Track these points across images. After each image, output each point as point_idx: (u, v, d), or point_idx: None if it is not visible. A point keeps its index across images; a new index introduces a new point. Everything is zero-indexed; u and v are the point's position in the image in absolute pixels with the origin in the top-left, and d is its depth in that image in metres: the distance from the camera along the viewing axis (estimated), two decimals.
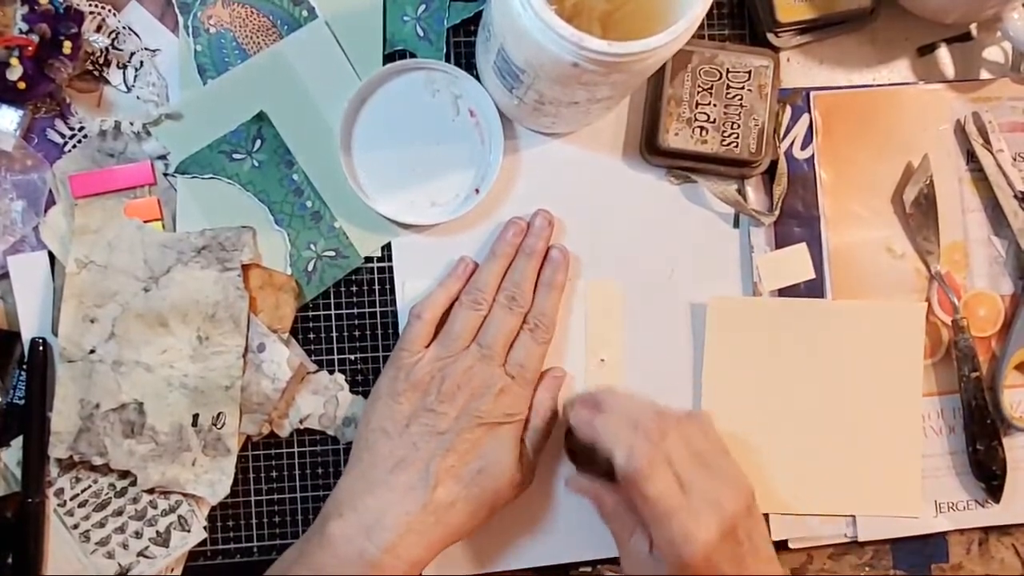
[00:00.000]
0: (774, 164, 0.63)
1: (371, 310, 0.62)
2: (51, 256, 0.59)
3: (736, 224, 0.64)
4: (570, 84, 0.51)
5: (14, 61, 0.56)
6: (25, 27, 0.57)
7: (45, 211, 0.59)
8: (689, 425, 0.55)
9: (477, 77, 0.61)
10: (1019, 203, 0.65)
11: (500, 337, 0.58)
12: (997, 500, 0.64)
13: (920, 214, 0.64)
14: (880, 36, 0.66)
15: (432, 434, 0.55)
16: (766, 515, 0.63)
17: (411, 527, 0.53)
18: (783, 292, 0.64)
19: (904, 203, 0.64)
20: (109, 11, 0.60)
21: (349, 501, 0.54)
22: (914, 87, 0.66)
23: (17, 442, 0.57)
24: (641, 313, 0.63)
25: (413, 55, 0.62)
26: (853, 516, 0.63)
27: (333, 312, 0.62)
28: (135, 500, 0.58)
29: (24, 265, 0.58)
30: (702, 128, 0.60)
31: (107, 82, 0.60)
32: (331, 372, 0.61)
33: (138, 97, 0.60)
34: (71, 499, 0.58)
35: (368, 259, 0.62)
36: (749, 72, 0.61)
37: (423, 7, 0.62)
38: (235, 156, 0.60)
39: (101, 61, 0.60)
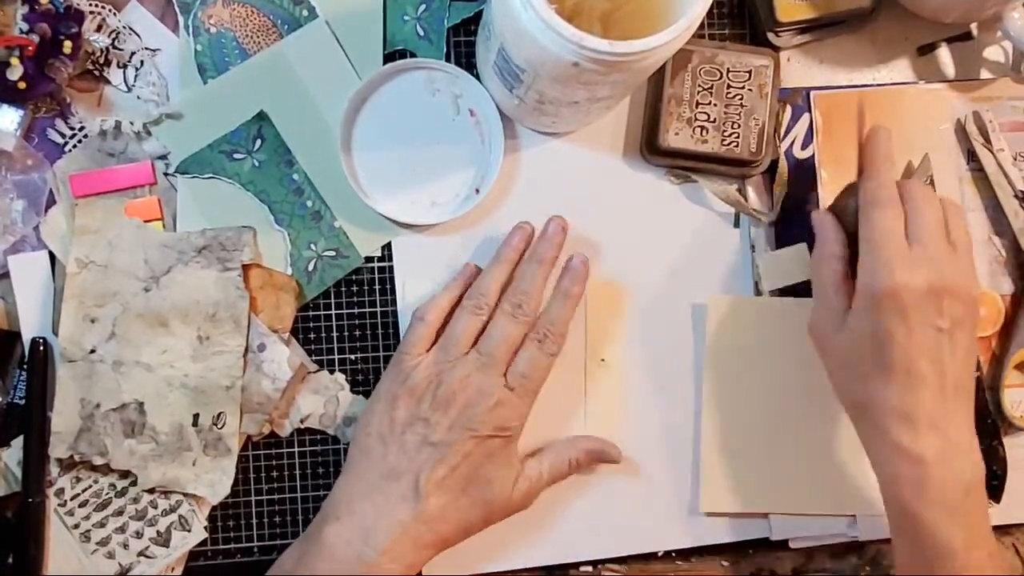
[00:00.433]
0: (775, 164, 0.63)
1: (371, 310, 0.62)
2: (51, 256, 0.59)
3: (736, 224, 0.64)
4: (570, 84, 0.51)
5: (14, 61, 0.56)
6: (25, 27, 0.57)
7: (45, 211, 0.59)
8: (950, 208, 0.56)
9: (477, 77, 0.61)
10: (1020, 203, 0.65)
11: (502, 345, 0.57)
12: (997, 500, 0.64)
13: None
14: (880, 36, 0.66)
15: (424, 444, 0.55)
16: (765, 515, 0.63)
17: (405, 533, 0.54)
18: (783, 292, 0.64)
19: None
20: (109, 11, 0.60)
21: (346, 505, 0.55)
22: (914, 87, 0.66)
23: (17, 442, 0.57)
24: (641, 313, 0.63)
25: (413, 55, 0.62)
26: (853, 516, 0.63)
27: (333, 312, 0.62)
28: (136, 500, 0.58)
29: (24, 265, 0.59)
30: (702, 128, 0.60)
31: (107, 82, 0.60)
32: (331, 372, 0.61)
33: (138, 97, 0.60)
34: (71, 499, 0.58)
35: (368, 259, 0.62)
36: (749, 72, 0.61)
37: (423, 7, 0.62)
38: (235, 156, 0.60)
39: (101, 61, 0.60)
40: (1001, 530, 0.66)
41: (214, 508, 0.59)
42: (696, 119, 0.60)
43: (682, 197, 0.64)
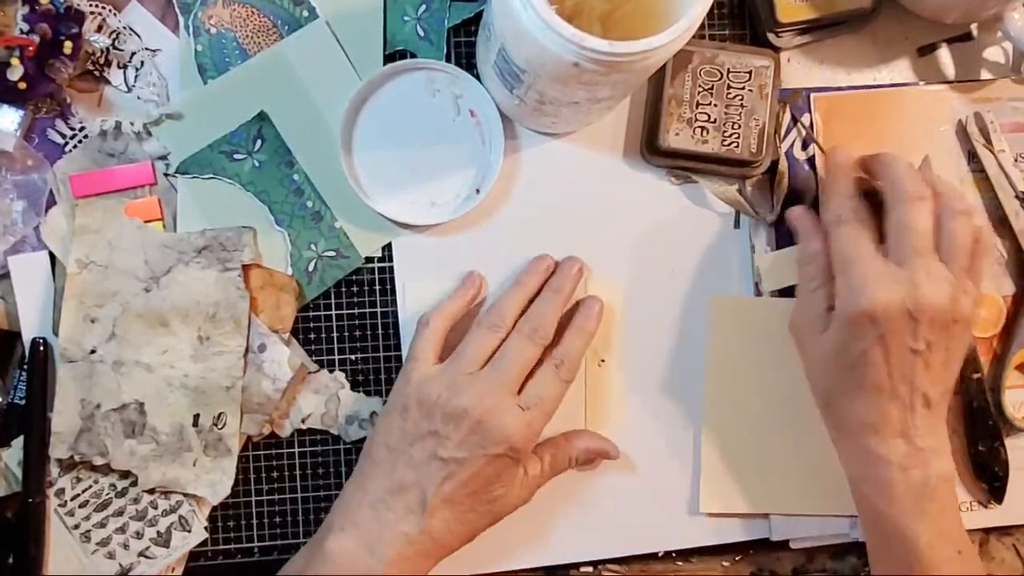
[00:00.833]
0: (775, 164, 0.63)
1: (372, 310, 0.62)
2: (52, 256, 0.59)
3: (736, 224, 0.64)
4: (570, 84, 0.51)
5: (15, 61, 0.56)
6: (26, 27, 0.57)
7: (46, 211, 0.59)
8: (949, 209, 0.55)
9: (477, 77, 0.61)
10: (1020, 203, 0.65)
11: (517, 365, 0.56)
12: (999, 501, 0.64)
13: None
14: (880, 36, 0.66)
15: (433, 459, 0.54)
16: (765, 515, 0.63)
17: (410, 544, 0.54)
18: (783, 292, 0.64)
19: None
20: (110, 11, 0.60)
21: (351, 515, 0.55)
22: (915, 87, 0.66)
23: (18, 442, 0.57)
24: (642, 313, 0.63)
25: (413, 55, 0.62)
26: (854, 516, 0.63)
27: (334, 312, 0.62)
28: (136, 500, 0.58)
29: (25, 265, 0.59)
30: (703, 128, 0.60)
31: (108, 82, 0.60)
32: (331, 372, 0.61)
33: (139, 97, 0.60)
34: (72, 499, 0.58)
35: (368, 259, 0.62)
36: (750, 72, 0.61)
37: (423, 7, 0.62)
38: (236, 156, 0.60)
39: (102, 61, 0.60)
40: (1002, 531, 0.66)
41: (214, 508, 0.59)
42: (696, 119, 0.60)
43: (682, 197, 0.64)
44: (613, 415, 0.63)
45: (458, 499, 0.54)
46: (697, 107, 0.60)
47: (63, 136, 0.60)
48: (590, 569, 0.63)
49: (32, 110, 0.59)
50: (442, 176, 0.62)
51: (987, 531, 0.66)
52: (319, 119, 0.61)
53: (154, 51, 0.61)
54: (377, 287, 0.62)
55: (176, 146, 0.60)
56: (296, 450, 0.61)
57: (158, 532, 0.58)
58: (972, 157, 0.66)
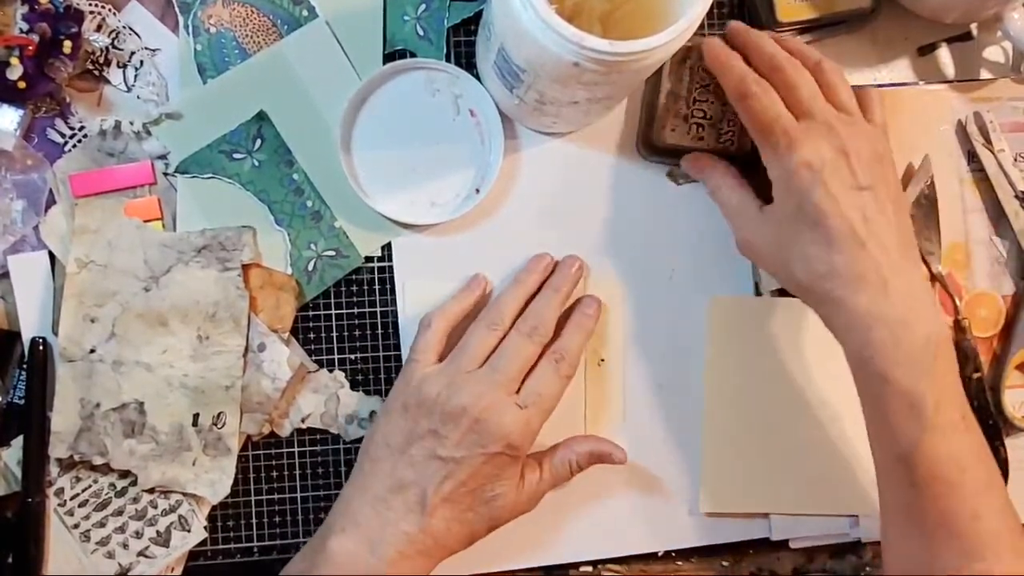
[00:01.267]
0: None
1: (371, 310, 0.62)
2: (51, 256, 0.59)
3: None
4: (570, 84, 0.51)
5: (14, 61, 0.56)
6: (25, 27, 0.57)
7: (45, 211, 0.59)
8: (824, 67, 0.56)
9: (477, 77, 0.61)
10: (1020, 203, 0.65)
11: (515, 363, 0.56)
12: None
13: (921, 215, 0.64)
14: (880, 36, 0.66)
15: (432, 458, 0.54)
16: (765, 515, 0.63)
17: (411, 544, 0.54)
18: (783, 292, 0.64)
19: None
20: (109, 10, 0.60)
21: (351, 515, 0.54)
22: (914, 87, 0.66)
23: (17, 442, 0.57)
24: (642, 313, 0.63)
25: (413, 55, 0.62)
26: (854, 516, 0.63)
27: (333, 312, 0.62)
28: (135, 500, 0.58)
29: (24, 265, 0.59)
30: (699, 125, 0.60)
31: (107, 82, 0.60)
32: (331, 372, 0.61)
33: (138, 97, 0.60)
34: (71, 499, 0.58)
35: (368, 259, 0.62)
36: None
37: (423, 7, 0.62)
38: (235, 156, 0.60)
39: (101, 61, 0.60)
40: None
41: (214, 508, 0.59)
42: (693, 116, 0.60)
43: (682, 197, 0.64)
44: (613, 415, 0.63)
45: (457, 498, 0.54)
46: (694, 104, 0.60)
47: (63, 136, 0.60)
48: (590, 569, 0.63)
49: (32, 109, 0.59)
50: (442, 176, 0.62)
51: None
52: (319, 119, 0.61)
53: (154, 51, 0.61)
54: (377, 287, 0.62)
55: (176, 146, 0.60)
56: (296, 450, 0.61)
57: (157, 532, 0.58)
58: (972, 157, 0.66)
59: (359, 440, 0.61)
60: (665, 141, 0.60)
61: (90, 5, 0.59)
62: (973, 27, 0.65)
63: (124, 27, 0.60)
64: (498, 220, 0.62)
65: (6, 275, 0.58)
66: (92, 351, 0.58)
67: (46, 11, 0.57)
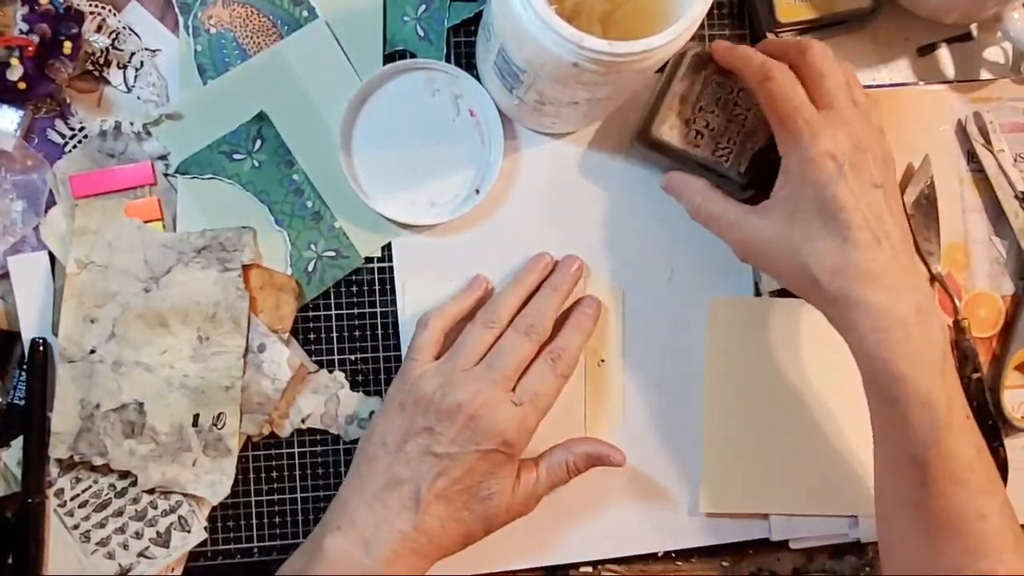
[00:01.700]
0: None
1: (371, 310, 0.62)
2: (51, 256, 0.59)
3: None
4: (570, 84, 0.51)
5: (14, 61, 0.56)
6: (25, 27, 0.57)
7: (45, 211, 0.59)
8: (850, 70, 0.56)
9: (477, 77, 0.61)
10: (1020, 203, 0.65)
11: (512, 361, 0.56)
12: None
13: (921, 215, 0.64)
14: (880, 36, 0.66)
15: (427, 455, 0.54)
16: (765, 515, 0.63)
17: (405, 542, 0.53)
18: (783, 292, 0.64)
19: (905, 204, 0.64)
20: (109, 11, 0.60)
21: (347, 514, 0.54)
22: (914, 87, 0.66)
23: (17, 442, 0.57)
24: (641, 313, 0.63)
25: (413, 55, 0.62)
26: (854, 516, 0.63)
27: (333, 312, 0.62)
28: (135, 500, 0.58)
29: (24, 265, 0.59)
30: (698, 133, 0.59)
31: (107, 82, 0.60)
32: (331, 372, 0.61)
33: (138, 97, 0.60)
34: (71, 499, 0.58)
35: (368, 259, 0.62)
36: None
37: (423, 7, 0.62)
38: (235, 156, 0.60)
39: (101, 61, 0.60)
40: None
41: (214, 509, 0.59)
42: (695, 122, 0.59)
43: None
44: (613, 415, 0.63)
45: (451, 495, 0.54)
46: (699, 111, 0.59)
47: (63, 136, 0.60)
48: (590, 569, 0.63)
49: (32, 110, 0.59)
50: (442, 176, 0.62)
51: None
52: (319, 119, 0.61)
53: (154, 51, 0.61)
54: (377, 287, 0.62)
55: (176, 146, 0.60)
56: (296, 450, 0.61)
57: (157, 532, 0.58)
58: (971, 157, 0.66)
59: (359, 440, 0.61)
60: (660, 136, 0.59)
61: (90, 6, 0.59)
62: (973, 27, 0.65)
63: (124, 28, 0.60)
64: (498, 220, 0.62)
65: (6, 276, 0.58)
66: (92, 352, 0.58)
67: (46, 12, 0.57)
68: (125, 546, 0.58)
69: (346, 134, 0.61)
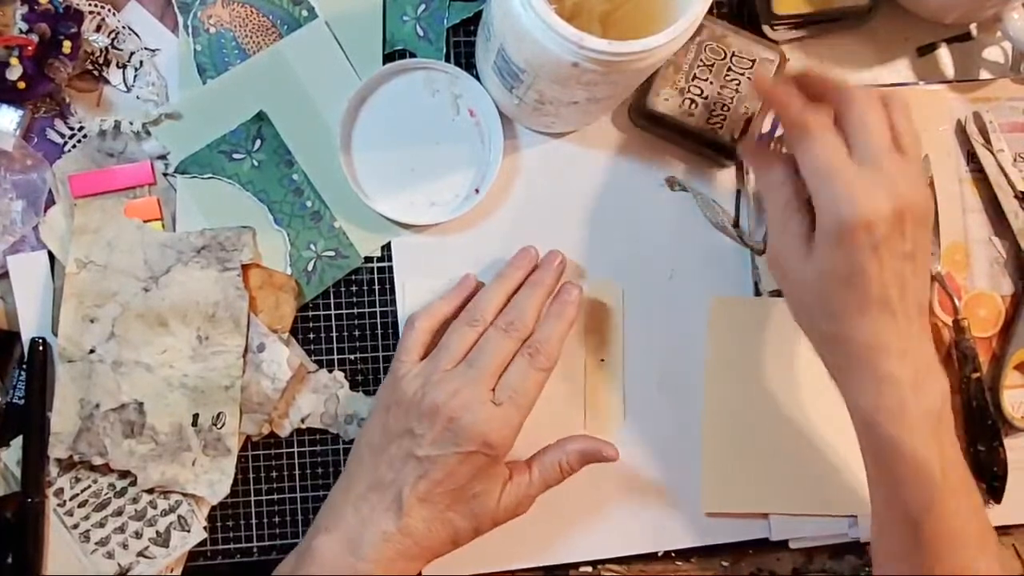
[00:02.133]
0: None
1: (371, 310, 0.62)
2: (51, 256, 0.59)
3: (736, 224, 0.64)
4: (570, 84, 0.51)
5: (14, 61, 0.56)
6: (25, 27, 0.57)
7: (45, 211, 0.59)
8: (894, 105, 0.52)
9: (477, 77, 0.61)
10: (1020, 203, 0.65)
11: (493, 360, 0.55)
12: (998, 501, 0.64)
13: None
14: (880, 36, 0.66)
15: (409, 457, 0.54)
16: (765, 515, 0.63)
17: (388, 543, 0.53)
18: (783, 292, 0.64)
19: None
20: (109, 11, 0.60)
21: (335, 514, 0.55)
22: (914, 87, 0.66)
23: (17, 442, 0.57)
24: (641, 313, 0.63)
25: (413, 55, 0.62)
26: (854, 516, 0.63)
27: (333, 312, 0.62)
28: (135, 500, 0.58)
29: (24, 265, 0.58)
30: (692, 101, 0.59)
31: (107, 82, 0.60)
32: (330, 371, 0.61)
33: (138, 97, 0.60)
34: (71, 499, 0.58)
35: (368, 259, 0.62)
36: (753, 61, 0.60)
37: (423, 7, 0.62)
38: (235, 156, 0.60)
39: (101, 61, 0.60)
40: (1001, 530, 0.66)
41: (213, 508, 0.59)
42: (689, 91, 0.59)
43: (683, 197, 0.64)
44: (613, 415, 0.63)
45: (434, 498, 0.54)
46: (693, 79, 0.59)
47: (62, 136, 0.60)
48: (590, 569, 0.63)
49: (31, 110, 0.59)
50: (441, 176, 0.62)
51: None
52: (318, 119, 0.61)
53: (153, 51, 0.61)
54: (376, 287, 0.62)
55: (175, 146, 0.60)
56: (295, 450, 0.61)
57: (157, 532, 0.58)
58: (971, 157, 0.66)
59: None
60: (655, 107, 0.60)
61: (90, 5, 0.59)
62: (973, 27, 0.65)
63: (124, 27, 0.60)
64: (498, 220, 0.62)
65: (6, 275, 0.58)
66: (92, 351, 0.58)
67: (46, 11, 0.57)
68: (125, 546, 0.58)
69: (346, 134, 0.61)
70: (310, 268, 0.61)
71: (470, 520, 0.55)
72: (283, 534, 0.61)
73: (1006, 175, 0.65)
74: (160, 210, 0.60)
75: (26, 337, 0.58)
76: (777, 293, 0.64)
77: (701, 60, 0.59)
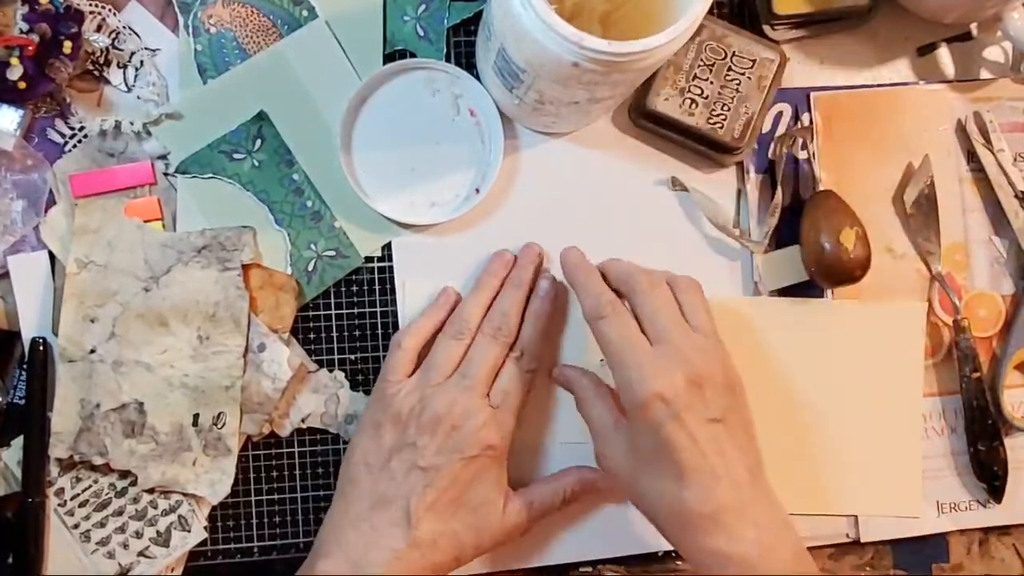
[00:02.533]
0: (774, 178, 0.63)
1: (371, 310, 0.62)
2: (51, 256, 0.59)
3: (736, 224, 0.64)
4: (570, 84, 0.51)
5: (14, 61, 0.56)
6: (25, 27, 0.57)
7: (45, 211, 0.59)
8: (681, 286, 0.55)
9: (477, 77, 0.61)
10: (1020, 203, 0.65)
11: (484, 367, 0.56)
12: (999, 500, 0.64)
13: (921, 214, 0.64)
14: (880, 36, 0.66)
15: (413, 469, 0.54)
16: None
17: (398, 560, 0.53)
18: (783, 292, 0.64)
19: (905, 204, 0.64)
20: (109, 11, 0.60)
21: (335, 538, 0.54)
22: (914, 87, 0.66)
23: (17, 442, 0.57)
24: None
25: (413, 55, 0.62)
26: (854, 516, 0.63)
27: (333, 312, 0.62)
28: (135, 500, 0.58)
29: (24, 265, 0.59)
30: (692, 101, 0.60)
31: (107, 82, 0.60)
32: (331, 371, 0.61)
33: (138, 97, 0.60)
34: (71, 499, 0.58)
35: (368, 259, 0.62)
36: (754, 61, 0.60)
37: (423, 7, 0.62)
38: (235, 156, 0.60)
39: (101, 61, 0.60)
40: (1001, 530, 0.66)
41: (214, 508, 0.59)
42: (689, 90, 0.59)
43: (683, 197, 0.64)
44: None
45: (441, 507, 0.54)
46: (693, 79, 0.60)
47: (63, 136, 0.60)
48: (589, 569, 0.63)
49: (32, 110, 0.59)
50: (442, 176, 0.62)
51: (987, 531, 0.66)
52: (319, 119, 0.61)
53: (154, 51, 0.61)
54: (377, 287, 0.62)
55: (176, 146, 0.60)
56: (296, 450, 0.61)
57: (157, 532, 0.58)
58: (971, 157, 0.66)
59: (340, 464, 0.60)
60: (655, 107, 0.60)
61: (90, 5, 0.59)
62: (973, 27, 0.65)
63: (124, 27, 0.60)
64: (498, 220, 0.62)
65: (6, 275, 0.58)
66: (92, 351, 0.58)
67: (46, 11, 0.57)
68: (125, 545, 0.58)
69: (346, 134, 0.61)
70: (310, 268, 0.61)
71: (474, 532, 0.55)
72: (284, 534, 0.61)
73: (1006, 175, 0.65)
74: (160, 210, 0.60)
75: (27, 337, 0.58)
76: (777, 293, 0.64)
77: (701, 60, 0.59)
